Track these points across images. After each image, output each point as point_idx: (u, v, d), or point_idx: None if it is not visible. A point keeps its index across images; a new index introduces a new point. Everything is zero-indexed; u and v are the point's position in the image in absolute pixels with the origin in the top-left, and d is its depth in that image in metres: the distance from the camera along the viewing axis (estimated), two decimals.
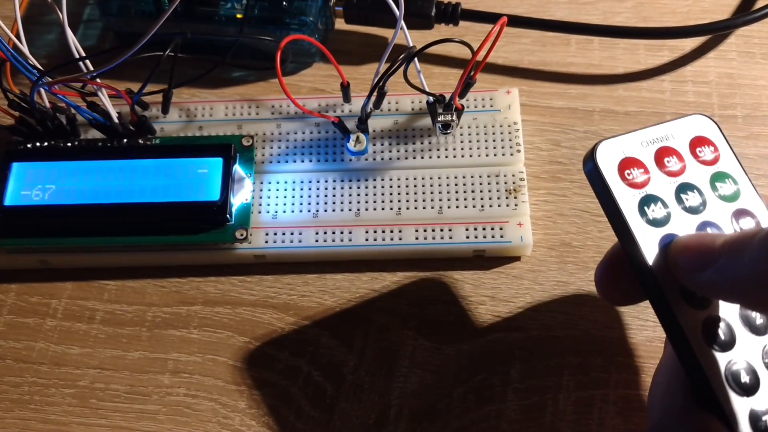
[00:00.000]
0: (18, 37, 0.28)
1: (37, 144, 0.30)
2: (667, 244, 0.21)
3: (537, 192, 0.30)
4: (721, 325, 0.20)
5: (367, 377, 0.27)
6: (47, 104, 0.29)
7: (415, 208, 0.29)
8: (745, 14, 0.32)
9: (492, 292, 0.29)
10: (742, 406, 0.20)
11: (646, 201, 0.21)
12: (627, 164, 0.22)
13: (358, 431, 0.26)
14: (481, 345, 0.28)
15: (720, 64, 0.33)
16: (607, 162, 0.22)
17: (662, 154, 0.22)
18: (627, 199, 0.21)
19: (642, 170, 0.22)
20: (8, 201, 0.28)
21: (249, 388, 0.27)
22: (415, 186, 0.29)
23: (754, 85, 0.32)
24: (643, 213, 0.21)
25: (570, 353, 0.27)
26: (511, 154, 0.30)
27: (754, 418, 0.19)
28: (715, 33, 0.33)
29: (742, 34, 0.33)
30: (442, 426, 0.26)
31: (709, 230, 0.21)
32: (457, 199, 0.29)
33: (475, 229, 0.28)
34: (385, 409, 0.27)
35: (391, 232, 0.29)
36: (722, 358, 0.20)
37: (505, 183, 0.29)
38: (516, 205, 0.29)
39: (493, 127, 0.30)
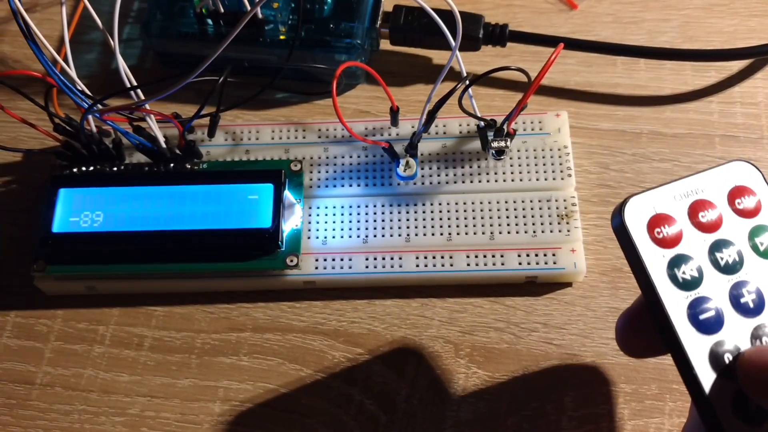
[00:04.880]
0: (66, 60, 0.28)
1: (83, 169, 0.30)
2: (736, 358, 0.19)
3: (587, 216, 0.30)
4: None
5: (419, 406, 0.27)
6: (94, 129, 0.29)
7: (466, 233, 0.29)
8: None
9: (544, 319, 0.28)
10: None
11: (677, 262, 0.20)
12: (657, 221, 0.20)
13: None
14: (534, 372, 0.27)
15: None
16: (636, 219, 0.20)
17: (697, 208, 0.21)
18: (655, 260, 0.20)
19: (673, 227, 0.20)
20: (56, 228, 0.28)
21: (301, 416, 0.27)
22: (465, 211, 0.29)
23: None
24: (672, 275, 0.20)
25: (623, 380, 0.27)
26: (562, 179, 0.29)
27: None
28: (761, 57, 0.32)
29: None
30: None
31: (744, 291, 0.20)
32: (508, 225, 0.29)
33: (528, 255, 0.28)
34: None
35: (442, 257, 0.28)
36: None
37: (557, 208, 0.29)
38: (569, 230, 0.28)
39: (543, 150, 0.30)
